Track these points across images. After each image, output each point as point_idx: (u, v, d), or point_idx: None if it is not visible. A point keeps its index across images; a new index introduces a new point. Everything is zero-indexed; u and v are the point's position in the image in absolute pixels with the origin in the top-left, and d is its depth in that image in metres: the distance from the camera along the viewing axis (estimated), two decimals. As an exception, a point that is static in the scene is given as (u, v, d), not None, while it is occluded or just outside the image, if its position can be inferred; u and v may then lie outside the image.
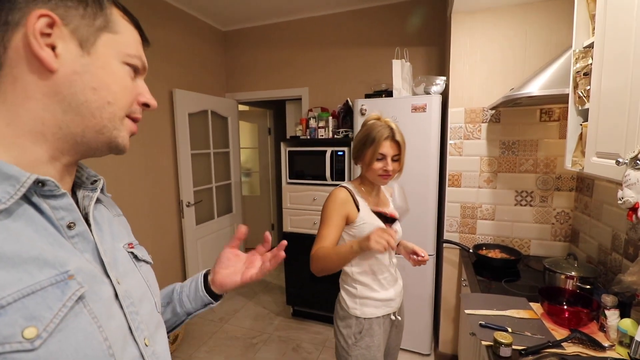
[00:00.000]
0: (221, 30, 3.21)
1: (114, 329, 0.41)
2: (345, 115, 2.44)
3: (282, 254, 0.71)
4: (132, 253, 0.52)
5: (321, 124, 2.49)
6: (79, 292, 0.37)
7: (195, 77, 2.87)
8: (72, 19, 0.40)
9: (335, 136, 2.44)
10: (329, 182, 2.43)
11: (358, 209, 1.17)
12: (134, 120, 0.47)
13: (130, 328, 0.44)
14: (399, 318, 1.30)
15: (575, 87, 1.18)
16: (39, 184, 0.38)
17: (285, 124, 3.61)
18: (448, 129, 2.03)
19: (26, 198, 0.37)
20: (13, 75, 0.38)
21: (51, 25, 0.38)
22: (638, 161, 0.75)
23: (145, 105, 0.48)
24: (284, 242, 0.72)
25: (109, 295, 0.42)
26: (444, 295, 2.13)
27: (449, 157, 2.03)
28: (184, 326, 2.50)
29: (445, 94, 2.11)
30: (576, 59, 1.17)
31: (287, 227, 2.62)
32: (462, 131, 2.00)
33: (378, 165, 1.14)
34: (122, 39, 0.44)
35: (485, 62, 1.92)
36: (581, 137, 1.15)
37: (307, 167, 2.49)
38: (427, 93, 2.09)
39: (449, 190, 2.06)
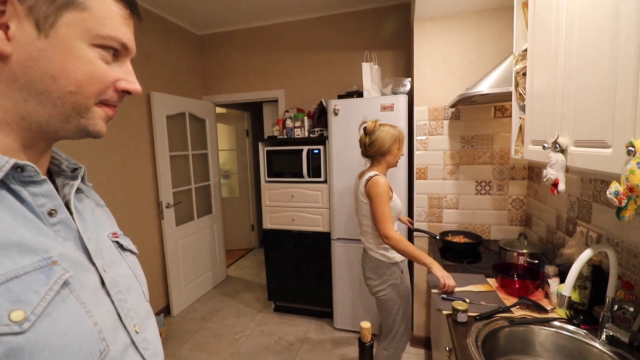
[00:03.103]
0: (197, 34, 3.26)
1: (102, 315, 0.40)
2: (320, 115, 2.56)
3: None
4: (117, 242, 0.51)
5: (297, 124, 2.60)
6: (64, 277, 0.36)
7: (172, 79, 2.90)
8: None
9: (311, 135, 2.56)
10: (306, 179, 2.54)
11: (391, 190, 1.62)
12: (111, 106, 0.43)
13: (119, 315, 0.43)
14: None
15: (517, 85, 1.35)
16: (18, 169, 0.36)
17: (262, 126, 3.69)
18: (414, 126, 2.19)
19: (4, 184, 0.36)
20: None
21: (3, 1, 0.34)
22: (557, 145, 0.91)
23: (127, 92, 0.43)
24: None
25: (95, 282, 0.41)
26: (416, 281, 2.29)
27: (416, 152, 2.19)
28: (165, 325, 2.53)
29: (410, 94, 2.28)
30: (516, 61, 1.35)
31: (267, 224, 2.70)
32: (427, 128, 2.17)
33: (400, 154, 1.67)
34: (92, 17, 0.38)
35: (445, 64, 2.10)
36: (521, 129, 1.32)
37: (284, 166, 2.59)
38: (395, 93, 2.25)
39: (417, 182, 2.22)
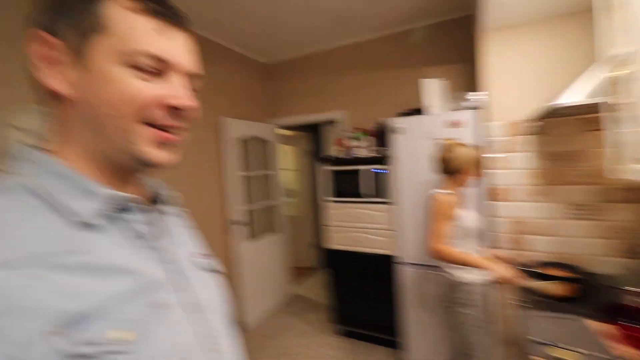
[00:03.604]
0: (261, 62, 3.50)
1: (185, 336, 0.41)
2: (382, 134, 2.52)
3: None
4: (200, 263, 0.53)
5: (360, 143, 2.59)
6: (157, 299, 0.39)
7: (239, 105, 3.14)
8: (65, 32, 0.36)
9: (374, 154, 2.52)
10: (370, 199, 2.49)
11: (455, 209, 1.61)
12: (161, 128, 0.40)
13: (200, 336, 0.44)
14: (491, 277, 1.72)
15: (613, 95, 1.16)
16: (122, 199, 0.40)
17: (323, 146, 3.77)
18: (492, 142, 2.01)
19: (112, 211, 0.40)
20: (57, 108, 0.39)
21: (51, 45, 0.36)
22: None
23: (175, 109, 0.39)
24: None
25: (182, 303, 0.43)
26: (493, 314, 2.04)
27: (493, 172, 2.01)
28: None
29: (483, 109, 2.11)
30: (613, 67, 1.16)
31: (331, 245, 2.70)
32: (506, 144, 1.98)
33: (474, 175, 1.65)
34: (116, 36, 0.36)
35: (523, 75, 1.92)
36: (620, 145, 1.12)
37: (347, 186, 2.58)
38: (462, 109, 2.11)
39: (498, 205, 2.01)
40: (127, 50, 0.36)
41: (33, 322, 0.30)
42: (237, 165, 2.98)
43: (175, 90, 0.39)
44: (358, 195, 2.54)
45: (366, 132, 2.68)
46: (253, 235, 3.18)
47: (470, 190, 1.94)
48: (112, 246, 0.38)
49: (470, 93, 2.14)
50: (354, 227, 2.58)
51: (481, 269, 1.53)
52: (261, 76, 3.49)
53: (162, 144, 0.40)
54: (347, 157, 2.65)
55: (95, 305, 0.33)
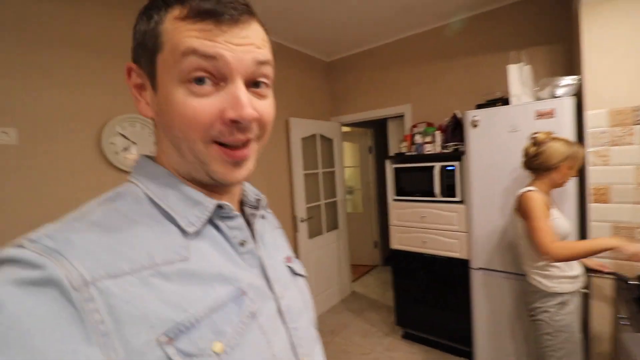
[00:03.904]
0: (325, 61, 3.51)
1: (279, 345, 0.41)
2: (455, 129, 2.34)
3: None
4: (289, 267, 0.52)
5: (427, 139, 2.44)
6: (252, 308, 0.39)
7: (305, 104, 3.19)
8: (142, 58, 0.38)
9: (444, 151, 2.35)
10: (439, 198, 2.33)
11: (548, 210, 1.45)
12: (227, 146, 0.38)
13: (292, 344, 0.44)
14: (588, 291, 1.58)
15: None
16: (219, 207, 0.41)
17: (386, 142, 3.65)
18: (588, 134, 1.74)
19: (209, 220, 0.40)
20: (154, 127, 0.43)
21: (138, 74, 0.39)
22: None
23: (235, 122, 0.36)
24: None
25: (274, 310, 0.43)
26: (595, 335, 1.77)
27: (590, 168, 1.73)
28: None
29: (578, 96, 1.83)
30: None
31: (395, 245, 2.60)
32: (607, 136, 1.69)
33: (570, 175, 1.47)
34: (170, 49, 0.35)
35: (633, 55, 1.61)
36: None
37: (414, 184, 2.46)
38: (554, 96, 1.86)
39: (593, 207, 1.74)
40: (176, 59, 0.34)
41: (145, 330, 0.30)
42: (303, 163, 3.03)
43: (234, 100, 0.36)
44: (425, 194, 2.40)
45: (435, 127, 2.51)
46: (316, 232, 3.22)
47: (562, 190, 1.70)
48: (213, 254, 0.39)
49: (563, 78, 1.86)
50: (420, 228, 2.45)
51: (608, 249, 1.31)
52: (325, 74, 3.51)
53: (234, 162, 0.39)
54: (415, 153, 2.52)
55: (199, 315, 0.34)
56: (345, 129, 4.33)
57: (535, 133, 1.55)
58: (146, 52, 0.37)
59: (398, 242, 2.58)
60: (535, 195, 1.44)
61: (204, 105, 0.35)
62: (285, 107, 2.93)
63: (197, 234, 0.39)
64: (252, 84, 0.38)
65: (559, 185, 1.50)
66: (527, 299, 1.56)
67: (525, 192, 1.48)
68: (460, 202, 2.25)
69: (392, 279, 2.67)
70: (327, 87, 3.52)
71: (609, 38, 1.66)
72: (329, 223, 3.40)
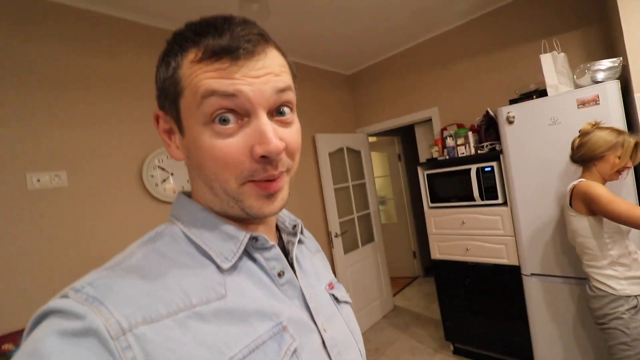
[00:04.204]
0: (345, 74, 3.53)
1: None
2: (488, 128, 2.23)
3: None
4: (333, 295, 0.50)
5: (459, 141, 2.34)
6: (293, 346, 0.37)
7: (329, 119, 3.21)
8: (166, 104, 0.39)
9: (479, 151, 2.24)
10: (478, 202, 2.21)
11: None
12: (262, 181, 0.37)
13: None
14: None
15: None
16: (253, 239, 0.40)
17: (415, 148, 3.57)
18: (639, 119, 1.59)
19: (245, 252, 0.40)
20: (187, 167, 0.43)
21: (165, 120, 0.40)
22: None
23: (265, 157, 0.36)
24: None
25: (317, 344, 0.41)
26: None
27: (648, 155, 1.57)
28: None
29: (622, 78, 1.69)
30: None
31: (436, 255, 2.48)
32: (665, 118, 1.53)
33: (620, 165, 1.33)
34: (191, 93, 0.35)
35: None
36: None
37: (449, 189, 2.35)
38: (596, 82, 1.72)
39: (657, 197, 1.56)
40: (197, 102, 0.34)
41: None
42: (332, 178, 3.02)
43: (259, 136, 0.35)
44: (463, 198, 2.28)
45: (467, 128, 2.41)
46: (352, 246, 3.16)
47: (620, 186, 1.55)
48: (251, 288, 0.38)
49: (603, 61, 1.73)
50: (461, 234, 2.32)
51: None
52: (346, 87, 3.52)
53: (268, 195, 0.38)
54: (447, 157, 2.43)
55: (237, 357, 0.33)
56: (372, 139, 4.29)
57: (581, 124, 1.46)
58: (169, 98, 0.37)
59: (439, 251, 2.46)
60: (594, 182, 1.34)
61: (231, 145, 0.35)
62: (310, 124, 2.96)
63: (234, 268, 0.38)
64: (276, 112, 0.37)
65: (610, 177, 1.38)
66: (593, 306, 1.40)
67: (579, 182, 1.39)
68: (503, 204, 2.12)
69: (437, 290, 2.53)
70: (349, 100, 3.53)
71: (653, 13, 1.53)
72: (364, 236, 3.33)
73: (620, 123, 1.60)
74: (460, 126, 2.56)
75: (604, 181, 1.39)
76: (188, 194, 0.44)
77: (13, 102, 1.48)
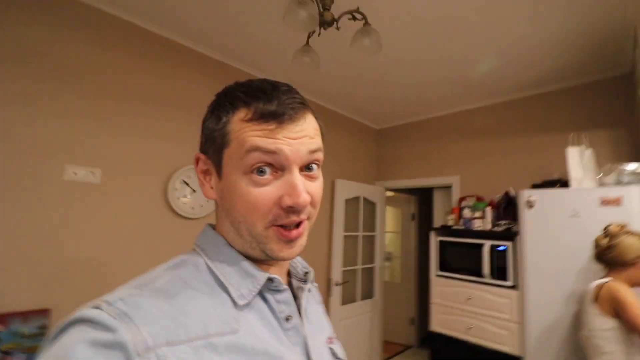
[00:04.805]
0: (375, 128, 3.68)
1: None
2: (507, 206, 2.23)
3: None
4: (331, 349, 0.51)
5: (477, 214, 2.35)
6: None
7: (352, 167, 3.30)
8: (209, 150, 0.43)
9: (496, 228, 2.23)
10: (488, 280, 2.15)
11: None
12: (285, 227, 0.41)
13: None
14: None
15: None
16: (269, 280, 0.43)
17: (430, 211, 3.56)
18: (664, 229, 1.56)
19: (259, 292, 0.42)
20: (216, 205, 0.47)
21: (204, 162, 0.45)
22: None
23: (291, 207, 0.40)
24: None
25: None
26: None
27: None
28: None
29: (650, 185, 1.69)
30: None
31: (435, 326, 2.37)
32: (691, 234, 1.50)
33: None
34: (237, 147, 0.40)
35: None
36: None
37: (460, 261, 2.31)
38: (621, 183, 1.73)
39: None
40: (241, 154, 0.39)
41: None
42: (344, 224, 3.03)
43: (290, 188, 0.40)
44: (473, 273, 2.23)
45: (485, 202, 2.42)
46: (350, 299, 3.07)
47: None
48: (260, 328, 0.40)
49: (630, 164, 1.75)
50: (465, 310, 2.23)
51: None
52: (374, 140, 3.66)
53: (288, 241, 0.42)
54: (462, 228, 2.42)
55: None
56: (389, 193, 4.32)
57: (609, 225, 1.46)
58: (214, 146, 0.42)
59: (439, 323, 2.35)
60: (622, 285, 1.33)
61: (264, 193, 0.40)
62: (332, 168, 3.05)
63: (247, 305, 0.40)
64: (305, 167, 0.43)
65: (637, 283, 1.35)
66: None
67: (608, 282, 1.36)
68: (513, 287, 2.05)
69: (431, 365, 2.38)
70: (374, 152, 3.64)
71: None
72: (364, 291, 3.23)
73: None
74: (479, 199, 2.57)
75: (631, 285, 1.36)
76: (213, 226, 0.47)
77: (69, 100, 1.63)
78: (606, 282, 1.37)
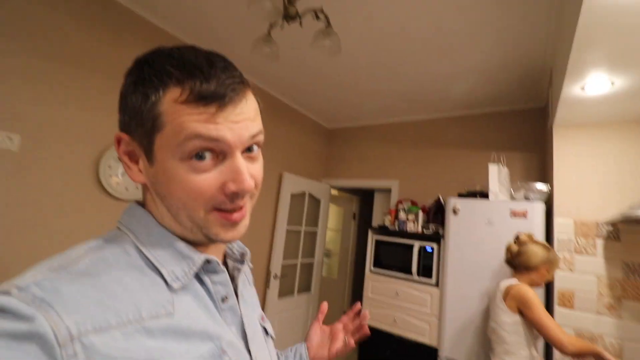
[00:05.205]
0: (326, 127, 3.78)
1: None
2: (437, 212, 2.47)
3: (367, 329, 0.73)
4: (264, 327, 0.52)
5: (410, 217, 2.55)
6: None
7: (300, 162, 3.34)
8: (135, 131, 0.39)
9: (425, 231, 2.45)
10: (415, 277, 2.36)
11: None
12: (226, 211, 0.40)
13: None
14: None
15: None
16: (206, 262, 0.41)
17: (370, 212, 3.77)
18: (555, 240, 1.88)
19: (195, 274, 0.41)
20: (146, 190, 0.43)
21: (128, 144, 0.40)
22: None
23: (236, 193, 0.39)
24: (366, 314, 0.74)
25: None
26: None
27: (557, 272, 1.83)
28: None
29: (548, 202, 2.02)
30: None
31: (365, 318, 2.53)
32: (572, 244, 1.83)
33: (547, 277, 1.57)
34: (172, 131, 0.36)
35: (597, 173, 1.84)
36: None
37: (392, 258, 2.50)
38: (527, 199, 2.04)
39: (558, 310, 1.80)
40: (179, 141, 0.36)
41: None
42: (287, 219, 3.06)
43: (234, 174, 0.38)
44: (403, 270, 2.43)
45: (418, 207, 2.65)
46: (287, 292, 3.12)
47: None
48: (196, 310, 0.39)
49: (536, 184, 2.07)
50: (393, 304, 2.43)
51: (597, 354, 1.34)
52: (324, 139, 3.75)
53: (233, 224, 0.41)
54: (397, 228, 2.61)
55: None
56: (334, 192, 4.46)
57: (519, 233, 1.69)
58: (143, 128, 0.38)
59: (370, 316, 2.52)
60: (530, 289, 1.52)
61: (206, 180, 0.37)
62: (280, 161, 3.06)
63: (182, 288, 0.39)
64: (246, 149, 0.41)
65: (537, 284, 1.59)
66: None
67: (517, 284, 1.56)
68: (435, 285, 2.28)
69: (358, 356, 2.54)
70: (323, 150, 3.73)
71: (576, 157, 1.91)
72: (302, 284, 3.31)
73: (541, 237, 1.88)
74: (414, 203, 2.80)
75: (532, 285, 1.59)
76: (141, 204, 0.44)
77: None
78: (515, 284, 1.57)
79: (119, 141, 0.40)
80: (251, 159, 0.42)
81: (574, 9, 1.15)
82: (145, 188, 0.43)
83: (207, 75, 0.36)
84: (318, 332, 0.74)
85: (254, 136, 0.40)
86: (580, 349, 1.36)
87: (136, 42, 1.95)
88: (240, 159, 0.39)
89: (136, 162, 0.40)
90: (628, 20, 1.08)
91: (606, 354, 1.34)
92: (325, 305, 0.75)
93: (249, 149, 0.41)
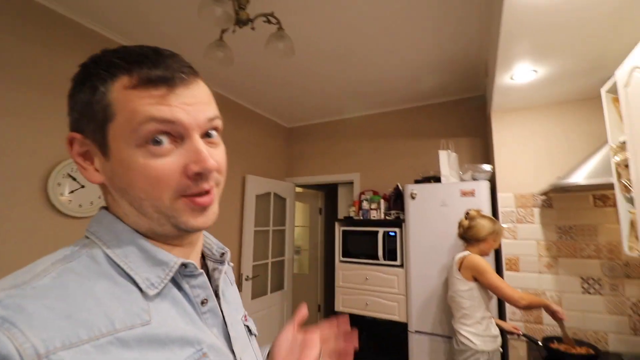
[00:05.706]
0: (285, 127, 3.81)
1: None
2: (396, 199, 2.63)
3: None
4: (247, 327, 0.52)
5: (373, 206, 2.69)
6: None
7: (262, 163, 3.35)
8: (87, 127, 0.38)
9: (387, 217, 2.60)
10: (381, 261, 2.51)
11: None
12: (193, 195, 0.38)
13: None
14: (502, 351, 1.76)
15: (619, 177, 1.28)
16: (182, 266, 0.40)
17: (336, 205, 3.89)
18: (499, 212, 2.11)
19: (172, 279, 0.39)
20: (106, 192, 0.41)
21: (81, 143, 0.39)
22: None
23: (198, 175, 0.38)
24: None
25: None
26: (515, 396, 1.92)
27: (503, 241, 2.06)
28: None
29: (492, 180, 2.25)
30: (614, 152, 1.30)
31: (339, 307, 2.64)
32: (514, 215, 2.07)
33: (494, 246, 1.76)
34: (124, 118, 0.36)
35: (529, 152, 2.09)
36: (633, 224, 1.20)
37: (359, 247, 2.62)
38: (475, 179, 2.25)
39: (507, 274, 2.03)
40: (133, 127, 0.35)
41: None
42: (254, 220, 3.07)
43: (194, 154, 0.37)
44: (370, 257, 2.57)
45: (380, 196, 2.80)
46: (261, 292, 3.13)
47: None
48: (174, 316, 0.38)
49: (481, 165, 2.29)
50: (363, 290, 2.56)
51: (545, 306, 1.60)
52: (284, 138, 3.78)
53: (201, 209, 0.40)
54: (361, 218, 2.74)
55: None
56: (298, 189, 4.51)
57: (469, 210, 1.86)
58: (94, 122, 0.37)
59: (342, 304, 2.63)
60: (481, 258, 1.70)
61: (167, 164, 0.36)
62: (242, 164, 3.05)
63: (158, 294, 0.37)
64: (205, 135, 0.40)
65: (486, 254, 1.78)
66: (458, 358, 1.69)
67: (469, 255, 1.73)
68: (401, 266, 2.44)
69: (335, 343, 2.64)
70: (285, 150, 3.77)
71: (512, 138, 2.15)
72: (274, 283, 3.34)
73: (489, 212, 2.09)
74: (375, 193, 2.95)
75: (482, 255, 1.77)
76: (110, 212, 0.42)
77: None
78: (468, 254, 1.75)
79: (71, 142, 0.39)
80: (212, 144, 0.41)
81: (498, 9, 1.31)
82: (105, 190, 0.41)
83: (154, 61, 0.37)
84: (289, 337, 0.62)
85: (210, 119, 0.40)
86: (530, 302, 1.57)
87: (84, 53, 1.85)
88: (199, 140, 0.38)
89: (91, 162, 0.39)
90: (544, 18, 1.26)
91: (552, 304, 1.58)
92: (304, 310, 0.66)
93: (208, 135, 0.41)
